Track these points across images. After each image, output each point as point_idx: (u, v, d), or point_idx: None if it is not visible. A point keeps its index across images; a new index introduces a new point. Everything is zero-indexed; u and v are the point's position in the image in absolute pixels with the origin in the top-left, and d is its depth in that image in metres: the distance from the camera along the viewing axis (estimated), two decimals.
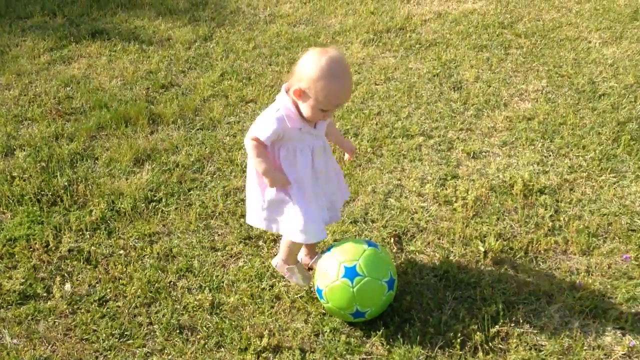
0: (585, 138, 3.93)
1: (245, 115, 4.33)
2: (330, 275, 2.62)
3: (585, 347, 2.59)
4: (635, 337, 2.62)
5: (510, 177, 3.59)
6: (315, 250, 3.05)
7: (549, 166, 3.70)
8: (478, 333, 2.62)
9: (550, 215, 3.31)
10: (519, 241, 3.14)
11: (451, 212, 3.36)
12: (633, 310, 2.76)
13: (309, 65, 2.43)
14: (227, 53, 5.23)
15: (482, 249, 3.10)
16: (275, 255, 2.90)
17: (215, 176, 3.72)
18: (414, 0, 6.18)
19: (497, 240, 3.13)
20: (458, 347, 2.59)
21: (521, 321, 2.72)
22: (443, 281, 2.93)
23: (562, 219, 3.28)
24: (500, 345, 2.60)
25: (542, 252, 3.09)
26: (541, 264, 3.03)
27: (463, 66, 4.87)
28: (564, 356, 2.56)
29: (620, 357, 2.56)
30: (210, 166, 3.80)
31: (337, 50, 2.50)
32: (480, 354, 2.57)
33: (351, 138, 4.02)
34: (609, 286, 2.88)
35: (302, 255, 3.03)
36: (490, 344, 2.61)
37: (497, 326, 2.66)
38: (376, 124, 4.18)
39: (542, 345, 2.61)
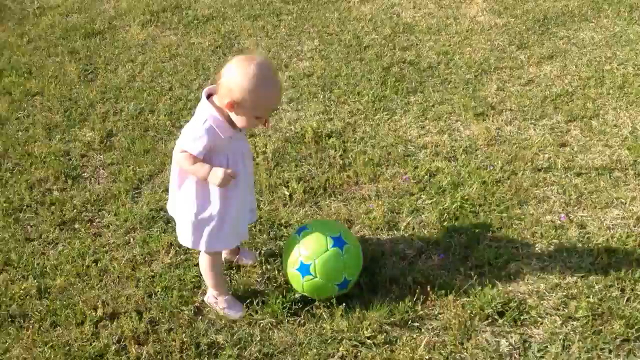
0: (359, 85, 4.43)
1: (34, 109, 4.24)
2: (319, 247, 2.66)
3: (384, 256, 3.04)
4: (420, 240, 3.12)
5: (301, 128, 3.97)
6: (237, 247, 3.03)
7: (332, 114, 4.14)
8: None
9: (340, 155, 3.73)
10: (317, 181, 3.52)
11: (255, 166, 3.65)
12: (417, 220, 3.26)
13: (238, 75, 2.34)
14: (0, 50, 5.01)
15: (287, 193, 3.43)
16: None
17: (15, 171, 3.65)
18: None
19: (298, 183, 3.49)
20: (275, 283, 2.91)
21: None
22: (258, 226, 3.21)
23: (350, 156, 3.73)
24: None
25: (338, 186, 3.50)
26: (339, 196, 3.44)
27: (242, 36, 5.15)
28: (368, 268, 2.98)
29: (412, 258, 3.03)
30: (7, 163, 3.72)
31: (259, 54, 2.44)
32: None
33: (147, 115, 4.14)
34: (395, 204, 3.36)
35: (224, 254, 3.01)
36: None
37: None
38: (170, 98, 4.33)
39: None
